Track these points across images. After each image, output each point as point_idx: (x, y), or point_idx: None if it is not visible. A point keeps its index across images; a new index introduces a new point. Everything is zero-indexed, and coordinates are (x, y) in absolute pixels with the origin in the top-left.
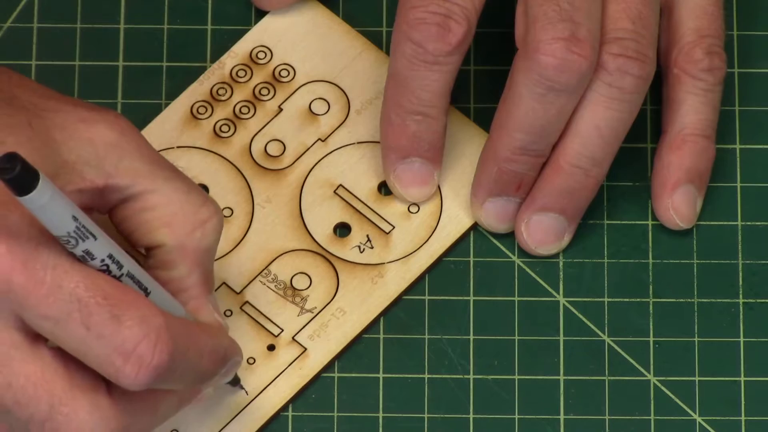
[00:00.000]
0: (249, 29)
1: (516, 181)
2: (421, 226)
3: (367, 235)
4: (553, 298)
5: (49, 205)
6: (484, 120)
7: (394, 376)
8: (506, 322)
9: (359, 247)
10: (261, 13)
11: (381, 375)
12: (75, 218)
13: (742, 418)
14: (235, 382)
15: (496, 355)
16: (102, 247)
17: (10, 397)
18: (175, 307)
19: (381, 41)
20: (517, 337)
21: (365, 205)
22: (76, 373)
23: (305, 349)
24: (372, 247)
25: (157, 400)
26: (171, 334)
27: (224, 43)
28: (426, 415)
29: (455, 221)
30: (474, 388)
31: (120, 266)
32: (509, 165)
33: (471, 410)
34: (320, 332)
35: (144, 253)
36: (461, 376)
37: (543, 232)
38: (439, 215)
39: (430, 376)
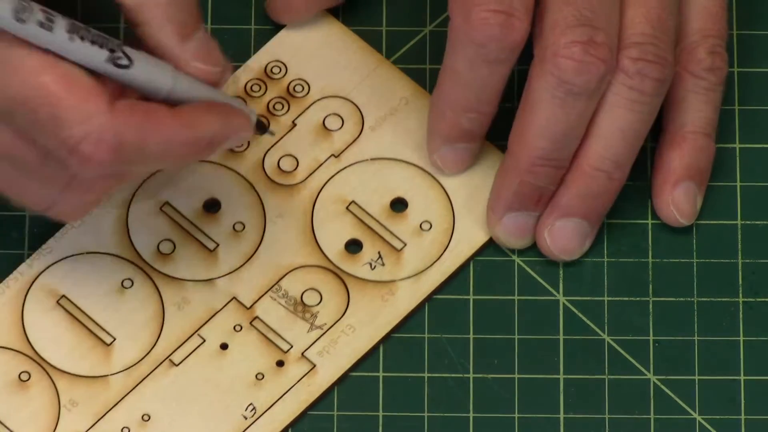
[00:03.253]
0: (250, 30)
1: (536, 195)
2: (433, 244)
3: (379, 252)
4: (553, 298)
5: None
6: (495, 127)
7: (394, 375)
8: (506, 322)
9: (370, 264)
10: (275, 28)
11: (381, 374)
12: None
13: (742, 417)
14: (261, 130)
15: (496, 355)
16: (61, 19)
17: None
18: (165, 71)
19: (380, 44)
20: (517, 337)
21: (377, 222)
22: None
23: (314, 365)
24: (383, 265)
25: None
26: (117, 130)
27: (224, 42)
28: (426, 415)
29: (467, 239)
30: (474, 388)
31: (86, 34)
32: (530, 177)
33: (471, 409)
34: (329, 348)
35: None
36: (461, 375)
37: (566, 238)
38: (451, 233)
39: (430, 375)
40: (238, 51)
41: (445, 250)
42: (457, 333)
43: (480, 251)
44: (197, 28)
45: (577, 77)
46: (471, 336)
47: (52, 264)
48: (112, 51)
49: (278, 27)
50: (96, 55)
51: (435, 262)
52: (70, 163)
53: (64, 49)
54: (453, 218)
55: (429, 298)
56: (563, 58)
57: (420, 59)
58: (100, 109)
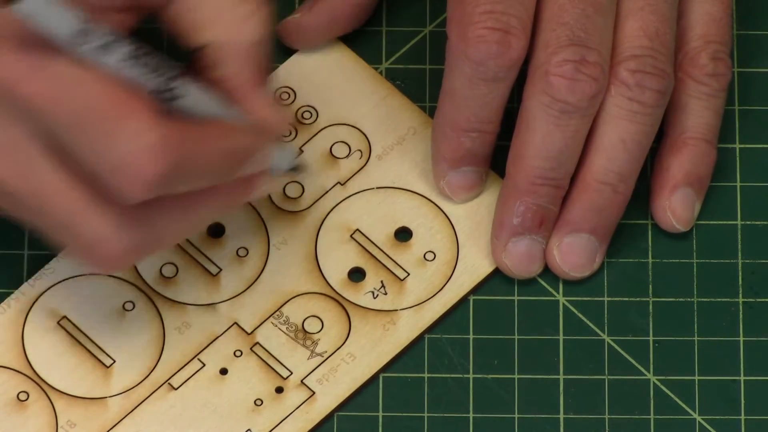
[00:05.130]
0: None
1: (538, 217)
2: (435, 274)
3: (382, 281)
4: (553, 298)
5: (46, 9)
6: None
7: (394, 375)
8: (506, 322)
9: (373, 292)
10: (288, 52)
11: (381, 374)
12: (75, 18)
13: (742, 417)
14: (295, 168)
15: (495, 355)
16: (120, 43)
17: (34, 205)
18: (215, 107)
19: (380, 44)
20: (516, 337)
21: (381, 250)
22: (95, 183)
23: (313, 392)
24: (386, 294)
25: (176, 209)
26: (170, 145)
27: None
28: (426, 415)
29: (471, 270)
30: (474, 388)
31: (146, 60)
32: (530, 197)
33: (471, 409)
34: (329, 376)
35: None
36: (461, 376)
37: (576, 254)
38: (455, 264)
39: (429, 375)
40: None
41: (447, 281)
42: (457, 333)
43: (482, 284)
44: (268, 77)
45: (569, 95)
46: (471, 336)
47: (54, 284)
48: (167, 80)
49: (288, 51)
50: (146, 83)
51: (437, 293)
52: (121, 184)
53: (115, 73)
54: (457, 249)
55: (429, 329)
56: (555, 76)
57: (420, 59)
58: (152, 124)
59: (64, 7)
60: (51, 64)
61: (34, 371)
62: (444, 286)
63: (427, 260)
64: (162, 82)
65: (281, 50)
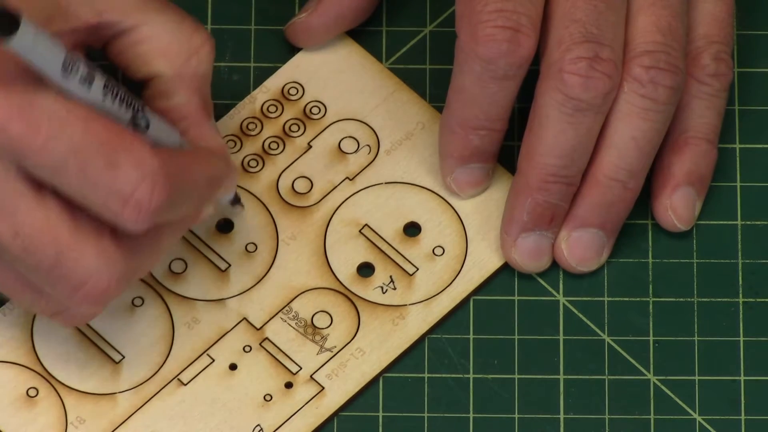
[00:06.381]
0: (250, 30)
1: (549, 213)
2: (444, 269)
3: (391, 276)
4: (553, 298)
5: (36, 44)
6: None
7: (394, 375)
8: (506, 322)
9: (382, 287)
10: (294, 49)
11: (381, 374)
12: (64, 51)
13: (742, 417)
14: (235, 201)
15: (496, 355)
16: (99, 75)
17: (17, 246)
18: (173, 135)
19: (380, 44)
20: (516, 337)
21: (390, 245)
22: (81, 219)
23: (323, 388)
24: (395, 289)
25: (161, 236)
26: (167, 173)
27: (224, 42)
28: (426, 415)
29: (479, 265)
30: (474, 388)
31: (118, 92)
32: (542, 195)
33: (471, 409)
34: (339, 372)
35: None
36: (461, 376)
37: (583, 248)
38: (463, 259)
39: (430, 375)
40: (237, 51)
41: (456, 276)
42: (457, 333)
43: (492, 278)
44: (212, 111)
45: (583, 93)
46: (471, 336)
47: None
48: (135, 112)
49: (295, 47)
50: (122, 115)
51: (446, 287)
52: (125, 214)
53: (96, 106)
54: (466, 244)
55: (439, 324)
56: (569, 74)
57: (420, 59)
58: (150, 153)
59: (52, 40)
60: (37, 101)
61: (44, 367)
62: (453, 280)
63: (436, 255)
64: (131, 114)
65: (287, 47)
